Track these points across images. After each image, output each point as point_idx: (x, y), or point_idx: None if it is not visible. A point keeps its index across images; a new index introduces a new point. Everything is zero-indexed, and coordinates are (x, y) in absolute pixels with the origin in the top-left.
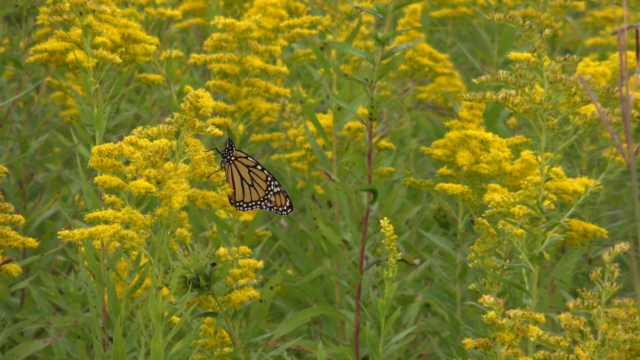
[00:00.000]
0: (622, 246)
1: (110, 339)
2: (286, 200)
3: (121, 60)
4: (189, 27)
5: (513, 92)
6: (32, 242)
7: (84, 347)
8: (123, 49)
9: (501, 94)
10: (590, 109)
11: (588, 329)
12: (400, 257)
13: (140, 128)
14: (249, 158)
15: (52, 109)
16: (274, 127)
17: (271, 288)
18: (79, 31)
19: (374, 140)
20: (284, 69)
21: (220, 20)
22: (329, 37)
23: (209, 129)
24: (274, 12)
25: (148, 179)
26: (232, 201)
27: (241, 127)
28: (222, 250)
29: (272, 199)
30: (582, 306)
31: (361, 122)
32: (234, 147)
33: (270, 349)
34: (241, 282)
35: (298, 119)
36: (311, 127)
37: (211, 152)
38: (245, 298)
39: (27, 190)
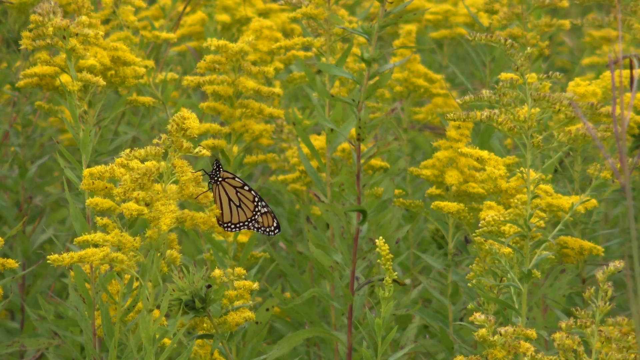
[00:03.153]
0: (616, 265)
1: None
2: (273, 221)
3: (105, 83)
4: (187, 50)
5: (497, 110)
6: (12, 263)
7: None
8: (113, 72)
9: (485, 113)
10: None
11: (581, 349)
12: (396, 277)
13: (127, 150)
14: (236, 179)
15: (48, 133)
16: (273, 150)
17: (267, 310)
18: (64, 55)
19: (362, 161)
20: (277, 90)
21: (213, 42)
22: (323, 59)
23: (197, 149)
24: (269, 35)
25: (137, 202)
26: (220, 222)
27: (235, 149)
28: (217, 272)
29: (260, 219)
30: (575, 325)
31: (349, 144)
32: (222, 167)
33: None
34: (237, 303)
35: (296, 140)
36: (305, 149)
37: (199, 172)
38: (241, 320)
39: (26, 213)
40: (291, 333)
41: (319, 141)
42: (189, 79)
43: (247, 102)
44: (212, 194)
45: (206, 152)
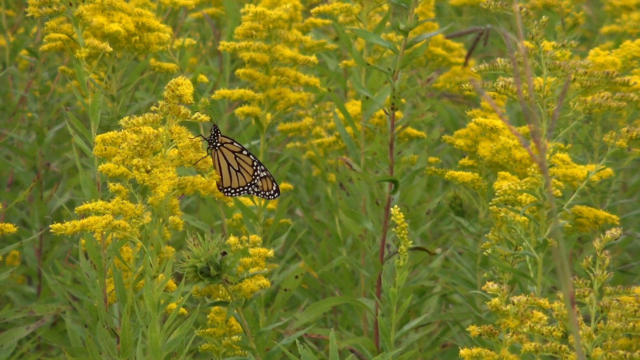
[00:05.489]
0: (613, 232)
1: (115, 329)
2: (273, 185)
3: (111, 49)
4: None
5: (512, 79)
6: (10, 227)
7: (92, 336)
8: (137, 38)
9: (500, 83)
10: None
11: (580, 318)
12: (411, 246)
13: (126, 118)
14: (235, 143)
15: (66, 99)
16: (289, 117)
17: (296, 277)
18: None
19: (398, 129)
20: (313, 58)
21: (250, 8)
22: (360, 24)
23: (194, 115)
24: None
25: (137, 169)
26: (220, 187)
27: (269, 116)
28: (232, 239)
29: (259, 183)
30: (574, 295)
31: (384, 112)
32: (220, 132)
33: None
34: (252, 270)
35: (313, 108)
36: (340, 115)
37: (197, 138)
38: (256, 287)
39: (43, 179)
40: (309, 300)
41: (356, 106)
42: (225, 44)
43: (283, 69)
44: (211, 159)
45: (204, 118)
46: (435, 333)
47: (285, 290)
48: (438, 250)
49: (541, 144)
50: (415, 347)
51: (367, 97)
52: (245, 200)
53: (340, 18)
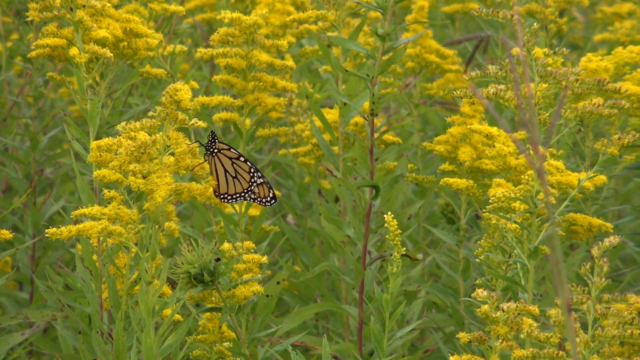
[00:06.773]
0: (611, 240)
1: (110, 335)
2: (269, 192)
3: (112, 55)
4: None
5: (503, 87)
6: (6, 234)
7: (85, 343)
8: (125, 44)
9: (491, 90)
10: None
11: (578, 325)
12: (404, 252)
13: (124, 123)
14: (232, 150)
15: (59, 104)
16: (284, 123)
17: (277, 283)
18: (72, 27)
19: (376, 135)
20: (291, 63)
21: (227, 14)
22: (332, 33)
23: (192, 121)
24: (282, 8)
25: (134, 174)
26: (217, 193)
27: (248, 122)
28: (226, 245)
29: (256, 190)
30: (571, 302)
31: (363, 118)
32: (217, 139)
33: (276, 344)
34: (245, 277)
35: (305, 114)
36: (317, 123)
37: (194, 144)
38: (249, 293)
39: (37, 185)
40: (299, 306)
41: (330, 115)
42: (202, 51)
43: (260, 75)
44: (208, 166)
45: (202, 124)
46: (428, 339)
47: (268, 296)
48: (420, 256)
49: (538, 150)
50: (399, 353)
51: (345, 104)
52: (228, 207)
53: (320, 24)
